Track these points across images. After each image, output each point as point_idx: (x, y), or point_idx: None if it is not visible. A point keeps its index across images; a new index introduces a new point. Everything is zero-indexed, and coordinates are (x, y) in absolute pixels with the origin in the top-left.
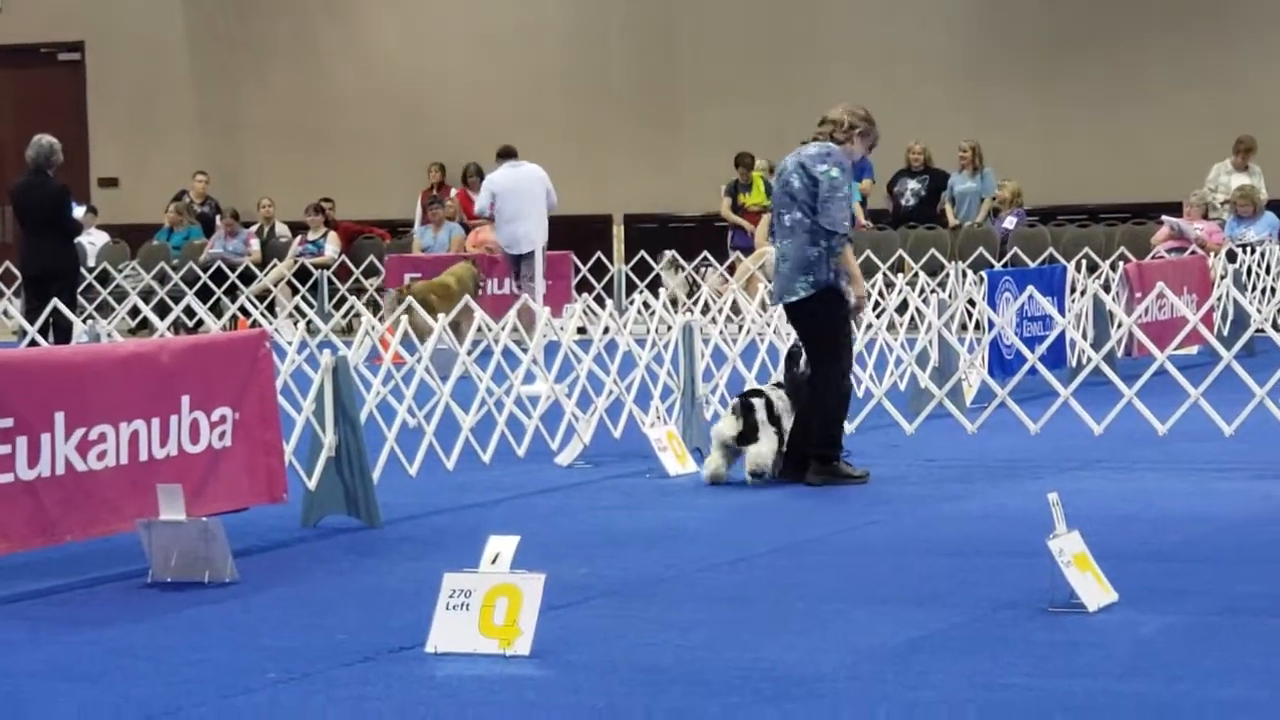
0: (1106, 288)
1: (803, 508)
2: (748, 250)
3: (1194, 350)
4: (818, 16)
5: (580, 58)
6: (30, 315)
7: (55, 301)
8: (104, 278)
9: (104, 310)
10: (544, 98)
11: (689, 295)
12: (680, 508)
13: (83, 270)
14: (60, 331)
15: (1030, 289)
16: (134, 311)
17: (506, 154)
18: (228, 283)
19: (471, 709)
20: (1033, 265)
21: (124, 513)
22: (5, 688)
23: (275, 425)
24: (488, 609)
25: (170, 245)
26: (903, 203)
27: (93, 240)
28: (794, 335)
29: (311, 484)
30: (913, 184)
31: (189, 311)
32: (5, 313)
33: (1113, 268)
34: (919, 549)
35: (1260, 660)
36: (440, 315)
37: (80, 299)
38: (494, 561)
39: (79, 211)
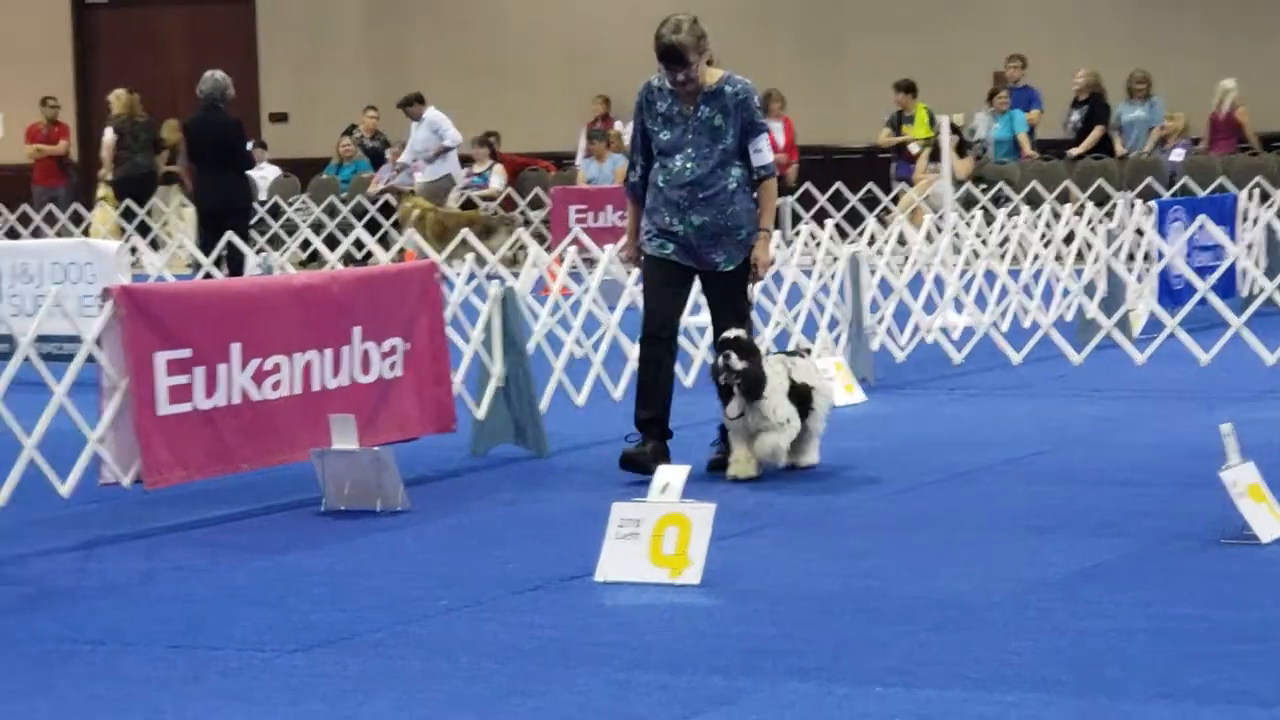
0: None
1: (970, 439)
2: (911, 181)
3: None
4: None
5: None
6: (204, 248)
7: (229, 235)
8: (275, 211)
9: (275, 243)
10: (708, 30)
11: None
12: (847, 438)
13: (255, 204)
14: (233, 264)
15: (1201, 218)
16: (304, 244)
17: None
18: (395, 215)
19: (641, 638)
20: (1202, 194)
21: (298, 442)
22: (186, 612)
23: (444, 356)
24: (657, 538)
25: (339, 179)
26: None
27: (264, 174)
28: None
29: (480, 414)
30: (1074, 115)
31: (358, 244)
32: (181, 245)
33: None
34: (1088, 479)
35: None
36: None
37: (252, 232)
38: (664, 491)
39: (249, 146)
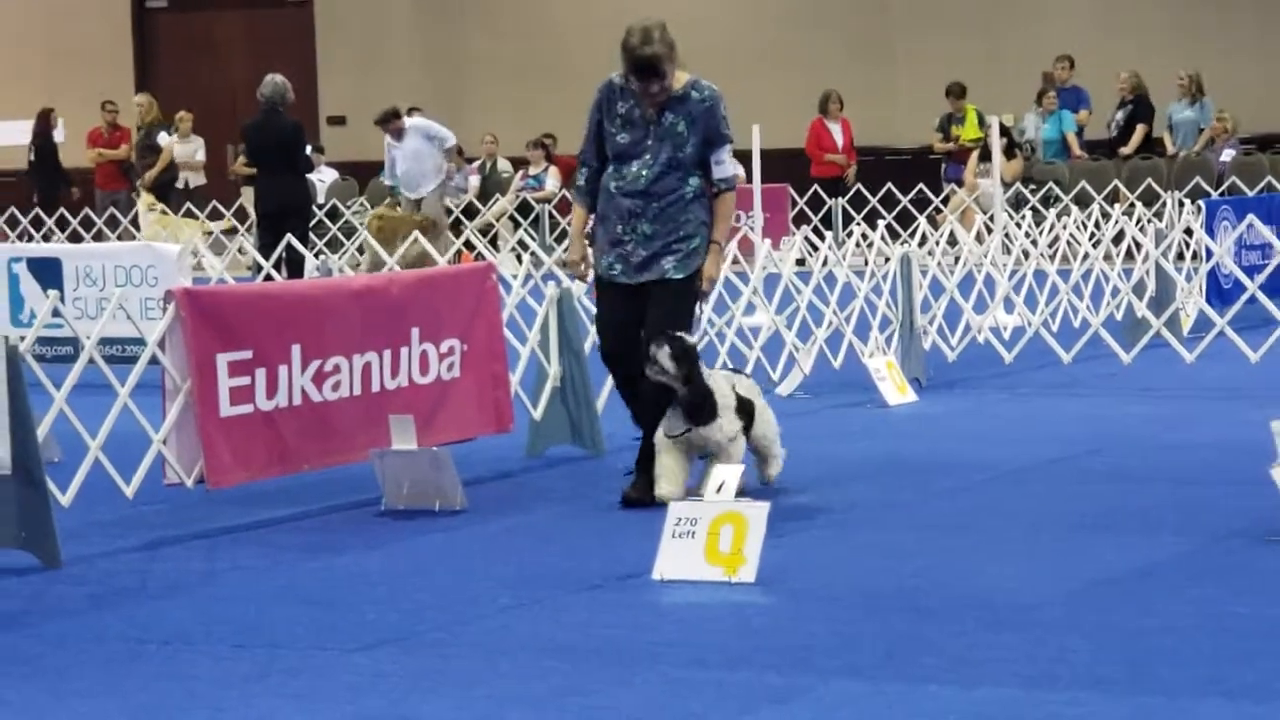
0: None
1: (1021, 437)
2: (961, 182)
3: None
4: None
5: None
6: (264, 251)
7: (289, 237)
8: (333, 214)
9: (334, 245)
10: (760, 32)
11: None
12: (899, 437)
13: (313, 207)
14: (293, 266)
15: (1250, 217)
16: (361, 247)
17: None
18: (451, 217)
19: (698, 636)
20: (1251, 194)
21: (357, 443)
22: (249, 612)
23: (502, 357)
24: (713, 537)
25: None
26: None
27: (322, 177)
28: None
29: (537, 414)
30: (1118, 115)
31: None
32: (241, 249)
33: None
34: (1139, 477)
35: None
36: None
37: (311, 235)
38: (719, 490)
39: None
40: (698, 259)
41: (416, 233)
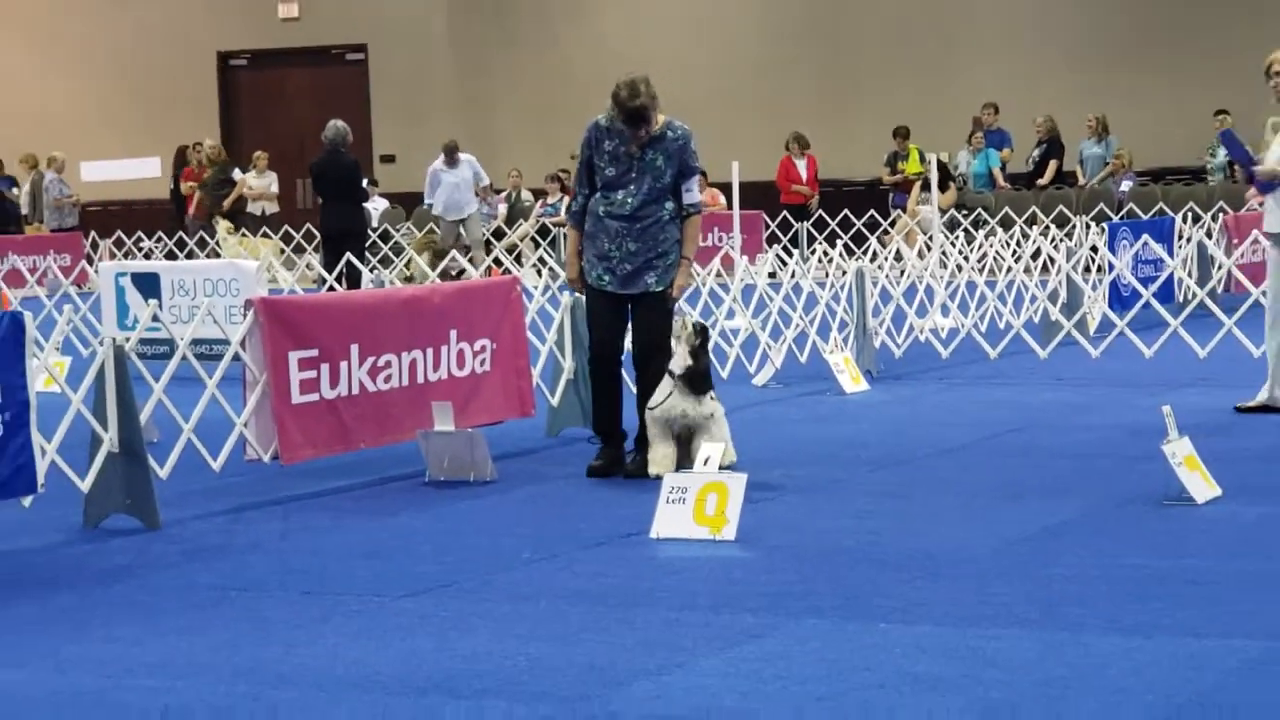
0: (1209, 235)
1: (955, 420)
2: (905, 209)
3: None
4: (962, 13)
5: (771, 49)
6: (328, 267)
7: (348, 255)
8: (385, 236)
9: (385, 262)
10: (740, 82)
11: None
12: (854, 420)
13: (369, 230)
14: (351, 279)
15: (1145, 237)
16: (408, 263)
17: None
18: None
19: (688, 584)
20: (1145, 218)
21: (406, 425)
22: (316, 564)
23: (525, 353)
24: (700, 502)
25: None
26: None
27: (375, 206)
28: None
29: (554, 401)
30: (1035, 152)
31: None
32: (308, 265)
33: (1214, 219)
34: (1052, 453)
35: None
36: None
37: (367, 253)
38: (705, 464)
39: (364, 183)
40: (673, 273)
41: (455, 252)
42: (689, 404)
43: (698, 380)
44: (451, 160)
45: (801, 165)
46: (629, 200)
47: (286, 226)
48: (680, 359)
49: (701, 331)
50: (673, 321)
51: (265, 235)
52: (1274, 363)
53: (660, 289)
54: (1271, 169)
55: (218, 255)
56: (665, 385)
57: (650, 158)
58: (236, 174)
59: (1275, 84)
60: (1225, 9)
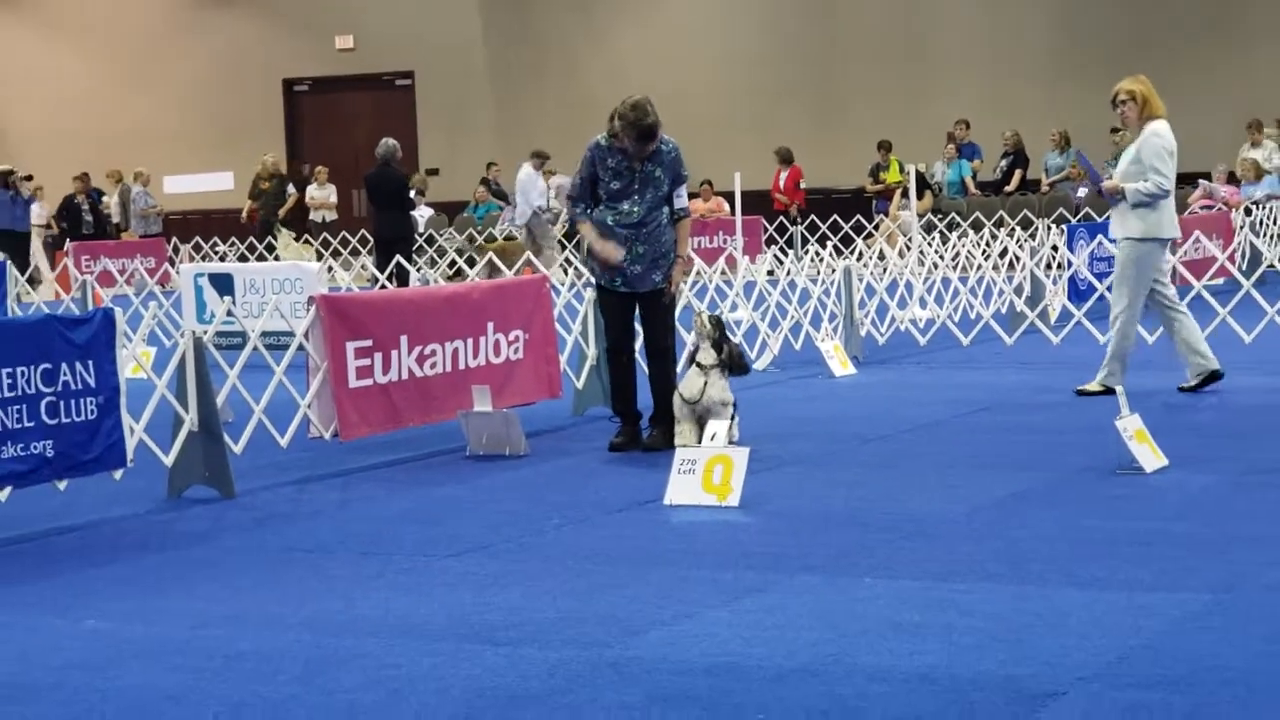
0: None
1: (932, 399)
2: (887, 214)
3: (1220, 281)
4: (937, 40)
5: (768, 74)
6: (379, 268)
7: (397, 258)
8: (430, 240)
9: (431, 264)
10: (740, 103)
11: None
12: (843, 400)
13: (416, 236)
14: (401, 279)
15: (1099, 237)
16: (451, 264)
17: None
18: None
19: (697, 544)
20: (1100, 220)
21: (448, 406)
22: (371, 528)
23: (553, 342)
24: (708, 473)
25: (476, 216)
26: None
27: (422, 214)
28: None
29: (579, 384)
30: (1002, 163)
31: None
32: (363, 266)
33: None
34: (1018, 429)
35: (1278, 508)
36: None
37: (414, 256)
38: (712, 439)
39: (412, 193)
40: (671, 270)
41: (529, 254)
42: (715, 391)
43: (738, 367)
44: (538, 170)
45: (783, 176)
46: (635, 210)
47: (344, 232)
48: (707, 352)
49: (718, 323)
50: (673, 316)
51: (307, 242)
52: (1111, 349)
53: (664, 285)
54: (1115, 184)
55: (275, 258)
56: (695, 376)
57: (649, 170)
58: (290, 189)
59: (1120, 111)
60: (1170, 33)
